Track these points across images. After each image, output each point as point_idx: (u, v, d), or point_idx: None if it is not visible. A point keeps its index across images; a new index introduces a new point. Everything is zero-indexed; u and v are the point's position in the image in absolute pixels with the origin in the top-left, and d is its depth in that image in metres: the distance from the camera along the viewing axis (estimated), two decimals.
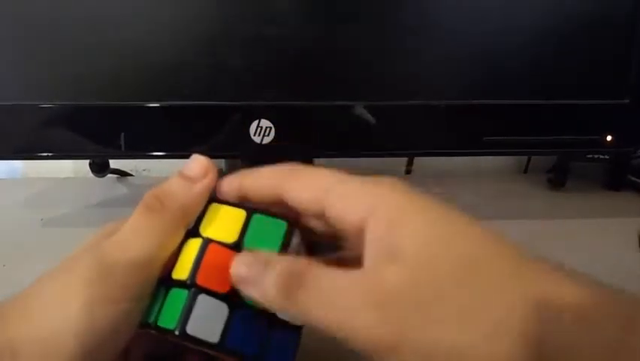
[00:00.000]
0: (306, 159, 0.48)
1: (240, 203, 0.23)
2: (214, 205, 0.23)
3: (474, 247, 0.18)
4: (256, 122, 0.40)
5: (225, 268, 0.21)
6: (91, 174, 0.56)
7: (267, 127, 0.40)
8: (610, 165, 0.58)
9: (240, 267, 0.20)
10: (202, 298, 0.21)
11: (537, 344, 0.16)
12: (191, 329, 0.20)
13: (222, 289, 0.21)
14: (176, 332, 0.20)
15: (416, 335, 0.17)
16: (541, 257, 0.19)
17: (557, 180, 0.57)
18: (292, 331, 0.23)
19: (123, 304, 0.20)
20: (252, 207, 0.23)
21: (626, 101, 0.42)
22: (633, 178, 0.57)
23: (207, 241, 0.22)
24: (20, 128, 0.40)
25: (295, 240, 0.23)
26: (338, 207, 0.20)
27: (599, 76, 0.42)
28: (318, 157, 0.49)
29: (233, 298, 0.21)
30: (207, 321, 0.21)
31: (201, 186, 0.22)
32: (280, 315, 0.22)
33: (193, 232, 0.23)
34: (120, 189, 0.59)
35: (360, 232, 0.19)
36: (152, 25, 0.39)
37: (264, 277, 0.19)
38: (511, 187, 0.59)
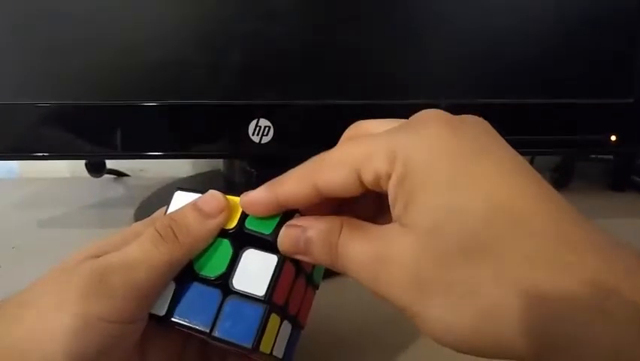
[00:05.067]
0: (306, 158, 0.48)
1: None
2: None
3: (483, 225, 0.17)
4: (255, 121, 0.39)
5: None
6: (87, 174, 0.56)
7: (265, 126, 0.39)
8: (614, 165, 0.58)
9: (283, 242, 0.21)
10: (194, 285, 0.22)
11: (536, 334, 0.16)
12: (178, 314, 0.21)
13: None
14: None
15: (418, 309, 0.18)
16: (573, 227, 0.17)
17: (561, 180, 0.57)
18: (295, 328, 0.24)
19: (117, 325, 0.20)
20: None
21: (631, 100, 0.41)
22: (638, 179, 0.56)
23: None
24: (16, 128, 0.39)
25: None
26: (370, 177, 0.19)
27: (603, 75, 0.41)
28: None
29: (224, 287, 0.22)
30: (198, 306, 0.22)
31: (215, 223, 0.22)
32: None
33: None
34: (117, 189, 0.59)
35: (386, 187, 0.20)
36: (149, 24, 0.38)
37: (311, 245, 0.21)
38: None
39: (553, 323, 0.16)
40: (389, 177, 0.19)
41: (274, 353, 0.22)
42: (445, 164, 0.18)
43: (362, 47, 0.39)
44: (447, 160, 0.18)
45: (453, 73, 0.41)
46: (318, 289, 0.26)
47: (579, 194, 0.56)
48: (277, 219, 0.22)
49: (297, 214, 0.22)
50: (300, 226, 0.21)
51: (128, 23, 0.38)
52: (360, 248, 0.20)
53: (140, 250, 0.21)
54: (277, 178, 0.22)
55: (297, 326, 0.24)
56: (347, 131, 0.23)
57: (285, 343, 0.23)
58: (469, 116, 0.20)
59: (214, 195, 0.23)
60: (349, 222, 0.20)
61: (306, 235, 0.21)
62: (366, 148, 0.20)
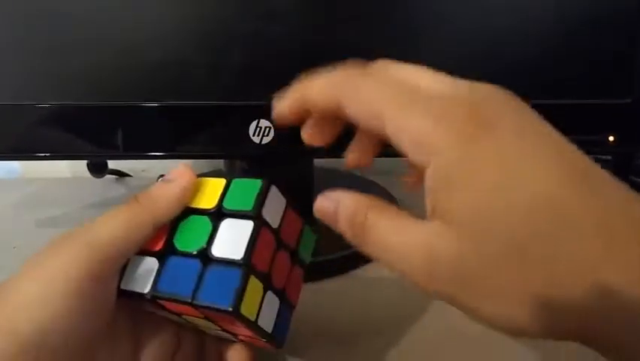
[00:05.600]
0: (306, 159, 0.48)
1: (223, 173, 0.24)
2: (198, 180, 0.25)
3: (529, 224, 0.16)
4: (255, 122, 0.39)
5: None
6: (89, 175, 0.56)
7: (266, 127, 0.39)
8: (613, 166, 0.57)
9: (316, 209, 0.22)
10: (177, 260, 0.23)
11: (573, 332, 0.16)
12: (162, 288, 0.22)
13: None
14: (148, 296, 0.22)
15: (457, 302, 0.18)
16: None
17: None
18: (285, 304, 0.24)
19: (83, 282, 0.21)
20: (234, 175, 0.24)
21: (629, 100, 0.41)
22: (636, 179, 0.56)
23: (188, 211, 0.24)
24: (17, 128, 0.39)
25: (273, 196, 0.24)
26: (396, 140, 0.19)
27: (601, 75, 0.41)
28: (318, 157, 0.49)
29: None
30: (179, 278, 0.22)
31: (175, 185, 0.24)
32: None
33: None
34: (118, 189, 0.59)
35: (421, 169, 0.19)
36: (149, 24, 0.38)
37: (338, 218, 0.21)
38: None
39: (607, 313, 0.16)
40: (423, 167, 0.18)
41: (260, 322, 0.22)
42: (491, 162, 0.17)
43: (362, 46, 0.39)
44: (492, 159, 0.17)
45: (453, 73, 0.41)
46: (306, 268, 0.26)
47: None
48: (254, 196, 0.23)
49: (272, 187, 0.23)
50: (332, 200, 0.21)
51: (128, 23, 0.38)
52: (397, 239, 0.19)
53: (106, 215, 0.23)
54: (312, 78, 0.23)
55: (286, 303, 0.25)
56: (342, 80, 0.22)
57: (273, 316, 0.23)
58: (516, 103, 0.20)
59: (178, 166, 0.25)
60: (377, 208, 0.20)
61: (336, 204, 0.21)
62: (401, 120, 0.19)
